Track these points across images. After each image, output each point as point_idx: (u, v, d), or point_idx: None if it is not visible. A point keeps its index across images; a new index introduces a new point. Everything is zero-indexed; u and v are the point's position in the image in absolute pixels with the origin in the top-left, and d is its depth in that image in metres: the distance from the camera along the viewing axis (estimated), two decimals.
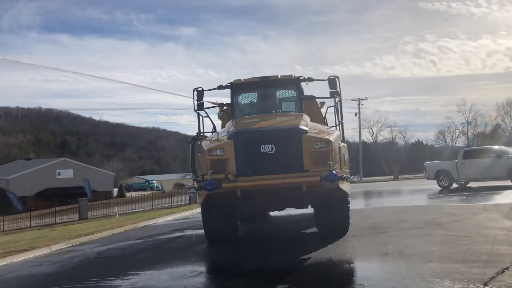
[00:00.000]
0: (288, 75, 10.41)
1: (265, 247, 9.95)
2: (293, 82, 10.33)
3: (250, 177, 8.30)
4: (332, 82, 10.29)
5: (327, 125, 13.14)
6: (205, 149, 8.58)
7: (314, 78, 10.53)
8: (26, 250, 12.42)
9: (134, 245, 12.03)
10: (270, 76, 10.43)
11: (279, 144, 8.40)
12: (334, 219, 10.20)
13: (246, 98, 10.67)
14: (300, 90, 10.30)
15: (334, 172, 7.97)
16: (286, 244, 10.12)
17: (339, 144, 9.19)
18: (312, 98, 10.39)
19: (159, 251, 10.58)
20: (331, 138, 8.50)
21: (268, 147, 8.36)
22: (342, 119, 11.07)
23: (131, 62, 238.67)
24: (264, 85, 10.50)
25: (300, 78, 10.29)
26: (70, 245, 13.44)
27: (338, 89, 10.36)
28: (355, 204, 19.68)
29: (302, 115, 9.75)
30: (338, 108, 10.86)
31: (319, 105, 13.46)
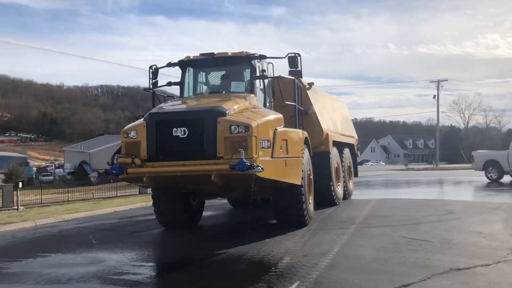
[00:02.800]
0: (239, 52, 9.51)
1: (205, 237, 9.44)
2: (244, 60, 9.41)
3: (160, 162, 7.71)
4: (292, 60, 9.28)
5: (313, 108, 12.17)
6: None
7: (269, 56, 9.56)
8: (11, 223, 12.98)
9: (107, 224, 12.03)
10: (219, 53, 9.63)
11: (192, 128, 7.67)
12: (286, 211, 9.44)
13: (195, 77, 9.97)
14: (252, 69, 9.36)
15: (245, 161, 7.11)
16: (227, 234, 9.56)
17: (276, 129, 8.25)
18: (264, 77, 9.41)
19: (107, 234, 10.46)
20: (254, 123, 7.59)
21: (181, 130, 7.68)
22: (298, 102, 10.14)
23: (223, 42, 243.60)
24: (214, 63, 9.71)
25: (252, 55, 9.35)
26: (59, 220, 13.82)
27: (299, 68, 9.33)
28: (373, 193, 18.53)
29: (241, 97, 8.88)
30: (295, 89, 9.84)
31: (305, 85, 12.38)
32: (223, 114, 7.64)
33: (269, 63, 10.10)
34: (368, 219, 10.52)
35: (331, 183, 12.77)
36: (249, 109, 8.48)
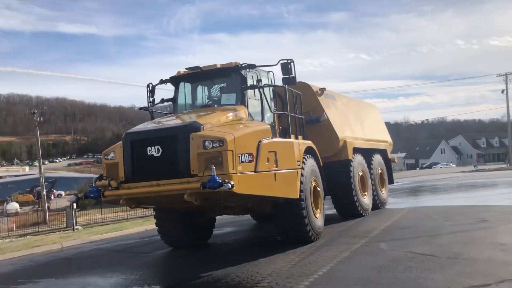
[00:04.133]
0: (228, 63, 9.09)
1: (203, 257, 9.06)
2: (233, 71, 8.98)
3: (136, 183, 7.44)
4: (285, 66, 8.75)
5: (325, 115, 11.47)
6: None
7: (260, 64, 9.07)
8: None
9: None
10: (207, 66, 9.27)
11: (165, 146, 7.33)
12: (287, 227, 8.90)
13: (187, 92, 9.65)
14: (242, 80, 8.89)
15: (216, 177, 6.68)
16: (226, 254, 9.13)
17: (261, 141, 7.73)
18: (255, 87, 8.90)
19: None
20: (229, 136, 7.13)
21: (155, 149, 7.37)
22: (295, 110, 9.64)
23: (282, 53, 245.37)
24: (204, 77, 9.36)
25: (240, 65, 8.90)
26: (86, 241, 14.07)
27: (293, 75, 8.78)
28: (414, 201, 17.14)
29: (227, 109, 8.46)
30: (286, 97, 9.27)
31: (317, 92, 11.73)
32: (197, 129, 7.26)
33: (268, 71, 9.65)
34: (385, 232, 9.66)
35: (354, 193, 11.96)
36: (232, 122, 8.04)
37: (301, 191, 8.67)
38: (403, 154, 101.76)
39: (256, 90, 9.11)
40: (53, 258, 10.95)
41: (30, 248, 13.24)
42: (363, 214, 12.38)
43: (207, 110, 8.76)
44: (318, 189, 9.71)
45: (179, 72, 9.42)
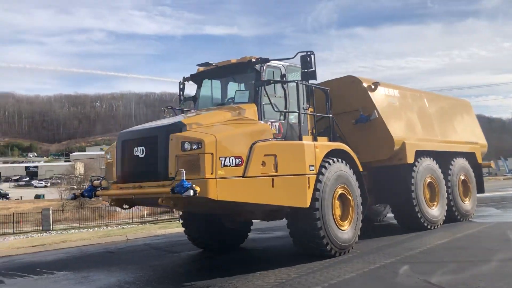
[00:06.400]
0: (242, 58, 8.40)
1: (215, 263, 8.64)
2: (247, 66, 8.27)
3: (124, 184, 7.27)
4: (304, 59, 7.88)
5: (376, 112, 10.10)
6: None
7: (276, 58, 8.24)
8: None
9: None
10: (222, 62, 8.66)
11: (148, 146, 7.01)
12: (300, 238, 8.07)
13: (206, 90, 9.17)
14: (257, 75, 8.16)
15: (185, 182, 6.18)
16: (239, 261, 8.56)
17: (254, 143, 7.00)
18: (267, 83, 8.05)
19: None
20: (208, 138, 6.54)
21: (140, 149, 7.10)
22: (312, 105, 8.74)
23: (426, 45, 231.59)
24: (221, 73, 8.79)
25: (254, 60, 8.15)
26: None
27: (313, 68, 7.87)
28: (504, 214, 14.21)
29: (229, 108, 7.83)
30: (303, 92, 8.32)
31: (369, 87, 10.42)
32: (177, 129, 6.84)
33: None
34: (426, 252, 8.22)
35: (414, 203, 10.42)
36: (229, 122, 7.44)
37: (315, 199, 7.73)
38: None
39: (279, 86, 8.34)
40: (102, 250, 11.46)
41: (98, 237, 14.13)
42: (429, 227, 10.74)
43: (211, 109, 8.28)
44: (349, 197, 8.59)
45: (198, 69, 9.07)
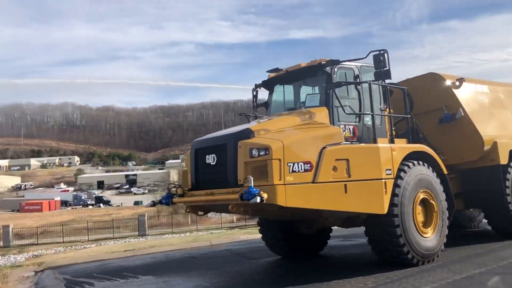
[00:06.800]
0: (311, 62, 8.16)
1: (288, 271, 8.51)
2: (317, 69, 8.03)
3: (197, 191, 7.41)
4: (377, 58, 7.55)
5: (462, 110, 9.36)
6: None
7: (346, 59, 7.92)
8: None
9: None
10: (292, 67, 8.48)
11: (218, 154, 7.06)
12: (379, 245, 7.71)
13: (277, 95, 9.03)
14: (328, 78, 7.89)
15: (253, 189, 6.16)
16: (316, 269, 8.32)
17: (325, 148, 6.80)
18: (337, 85, 7.72)
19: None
20: (276, 144, 6.44)
21: (211, 157, 7.19)
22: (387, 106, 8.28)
23: None
24: (292, 78, 8.62)
25: (324, 62, 7.89)
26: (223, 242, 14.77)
27: (387, 67, 7.52)
28: None
29: (299, 113, 7.64)
30: (380, 93, 7.91)
31: (453, 84, 9.69)
32: (245, 136, 6.85)
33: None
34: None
35: (510, 208, 9.49)
36: (298, 126, 7.29)
37: (393, 205, 7.33)
38: None
39: (352, 88, 8.07)
40: (186, 256, 11.82)
41: (184, 243, 14.63)
42: None
43: (281, 114, 8.19)
44: (432, 202, 8.04)
45: (269, 75, 9.04)
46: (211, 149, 7.30)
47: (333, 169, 6.82)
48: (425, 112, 9.73)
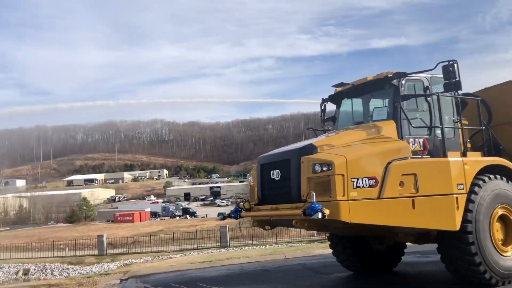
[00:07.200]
0: (378, 75, 8.00)
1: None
2: (385, 82, 7.87)
3: (263, 206, 7.57)
4: (447, 70, 7.31)
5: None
6: None
7: (414, 71, 7.70)
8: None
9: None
10: (359, 81, 8.37)
11: (283, 170, 7.17)
12: (453, 264, 7.39)
13: (345, 109, 8.91)
14: (395, 90, 7.71)
15: (315, 205, 6.21)
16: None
17: (391, 162, 6.68)
18: (404, 97, 7.49)
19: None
20: (339, 159, 6.43)
21: (276, 172, 7.33)
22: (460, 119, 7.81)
23: None
24: (358, 92, 8.51)
25: (391, 75, 7.72)
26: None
27: (457, 78, 7.27)
28: None
29: (366, 127, 7.54)
30: (453, 104, 7.58)
31: None
32: (308, 152, 6.92)
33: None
34: None
35: None
36: (365, 141, 7.23)
37: (467, 221, 7.01)
38: None
39: (422, 100, 7.86)
40: (259, 268, 12.03)
41: (260, 256, 14.85)
42: None
43: (348, 128, 8.15)
44: None
45: (335, 90, 9.05)
46: (275, 165, 7.47)
47: (399, 184, 6.69)
48: (507, 122, 9.17)
